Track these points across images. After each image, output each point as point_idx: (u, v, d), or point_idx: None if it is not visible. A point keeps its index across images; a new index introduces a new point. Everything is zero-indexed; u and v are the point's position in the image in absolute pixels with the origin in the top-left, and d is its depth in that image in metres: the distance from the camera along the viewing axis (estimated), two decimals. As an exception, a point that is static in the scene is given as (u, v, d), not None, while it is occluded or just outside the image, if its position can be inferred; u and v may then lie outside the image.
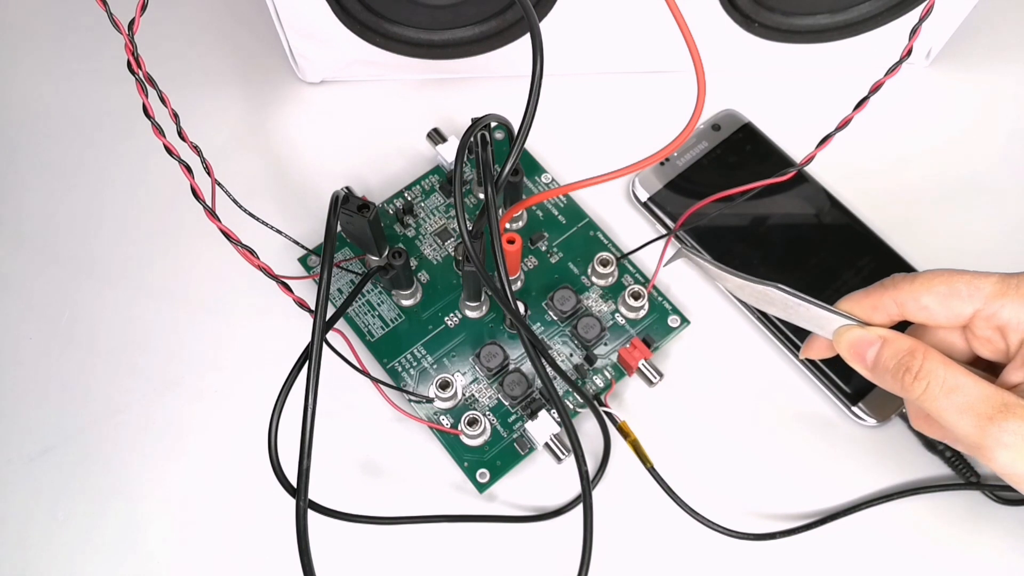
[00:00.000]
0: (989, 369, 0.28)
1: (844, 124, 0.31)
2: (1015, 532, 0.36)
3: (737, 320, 0.41)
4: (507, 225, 0.42)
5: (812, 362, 0.38)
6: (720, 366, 0.40)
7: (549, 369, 0.33)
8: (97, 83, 0.48)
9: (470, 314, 0.40)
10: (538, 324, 0.40)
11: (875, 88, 0.30)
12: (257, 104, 0.47)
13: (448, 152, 0.43)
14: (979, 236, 0.43)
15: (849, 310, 0.29)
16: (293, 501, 0.27)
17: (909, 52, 0.29)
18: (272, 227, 0.37)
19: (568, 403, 0.38)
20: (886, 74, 0.30)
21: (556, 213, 0.43)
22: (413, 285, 0.40)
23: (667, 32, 0.34)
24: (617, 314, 0.40)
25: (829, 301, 0.30)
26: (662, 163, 0.43)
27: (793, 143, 0.44)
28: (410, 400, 0.38)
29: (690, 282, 0.42)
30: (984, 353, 0.27)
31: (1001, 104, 0.47)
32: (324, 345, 0.29)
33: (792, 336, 0.39)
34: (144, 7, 0.26)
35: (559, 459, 0.36)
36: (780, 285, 0.29)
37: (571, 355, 0.39)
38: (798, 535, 0.35)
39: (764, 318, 0.39)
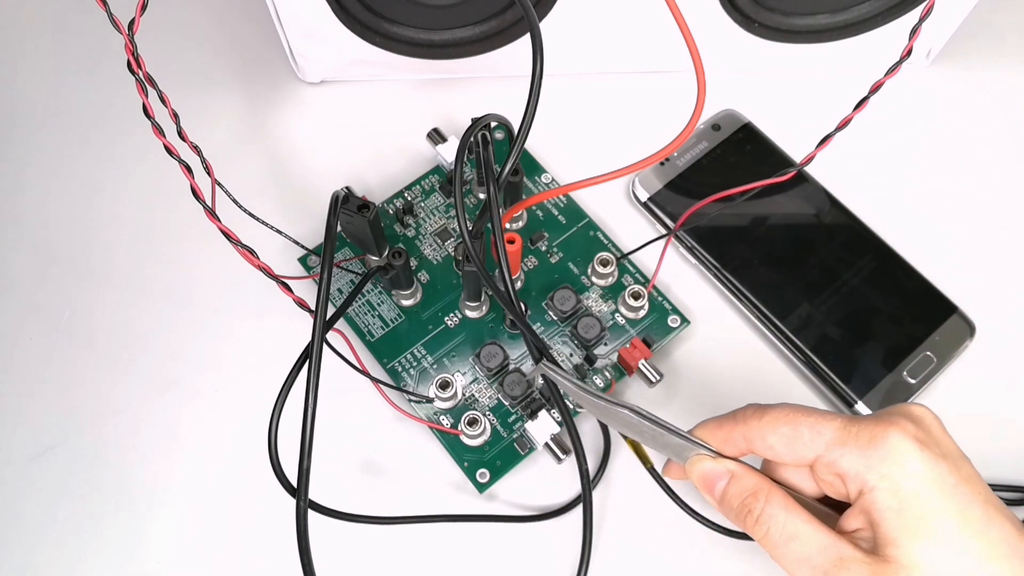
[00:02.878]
0: (838, 505, 0.27)
1: (844, 124, 0.31)
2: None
3: (737, 320, 0.41)
4: (507, 225, 0.42)
5: (812, 362, 0.38)
6: (720, 366, 0.40)
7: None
8: (97, 83, 0.48)
9: (470, 314, 0.40)
10: (538, 324, 0.40)
11: (875, 88, 0.30)
12: (257, 104, 0.47)
13: (448, 152, 0.43)
14: (979, 236, 0.43)
15: (704, 438, 0.29)
16: (293, 501, 0.27)
17: (909, 52, 0.29)
18: (272, 227, 0.37)
19: (568, 403, 0.37)
20: (886, 74, 0.30)
21: (556, 213, 0.43)
22: (413, 285, 0.40)
23: (667, 32, 0.33)
24: (617, 314, 0.40)
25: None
26: (662, 163, 0.43)
27: (793, 143, 0.44)
28: (410, 400, 0.38)
29: (690, 282, 0.42)
30: (830, 493, 0.27)
31: (1001, 104, 0.47)
32: (324, 345, 0.29)
33: (792, 337, 0.39)
34: (144, 7, 0.26)
35: (559, 459, 0.36)
36: (637, 408, 0.28)
37: (571, 355, 0.39)
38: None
39: (764, 318, 0.39)
